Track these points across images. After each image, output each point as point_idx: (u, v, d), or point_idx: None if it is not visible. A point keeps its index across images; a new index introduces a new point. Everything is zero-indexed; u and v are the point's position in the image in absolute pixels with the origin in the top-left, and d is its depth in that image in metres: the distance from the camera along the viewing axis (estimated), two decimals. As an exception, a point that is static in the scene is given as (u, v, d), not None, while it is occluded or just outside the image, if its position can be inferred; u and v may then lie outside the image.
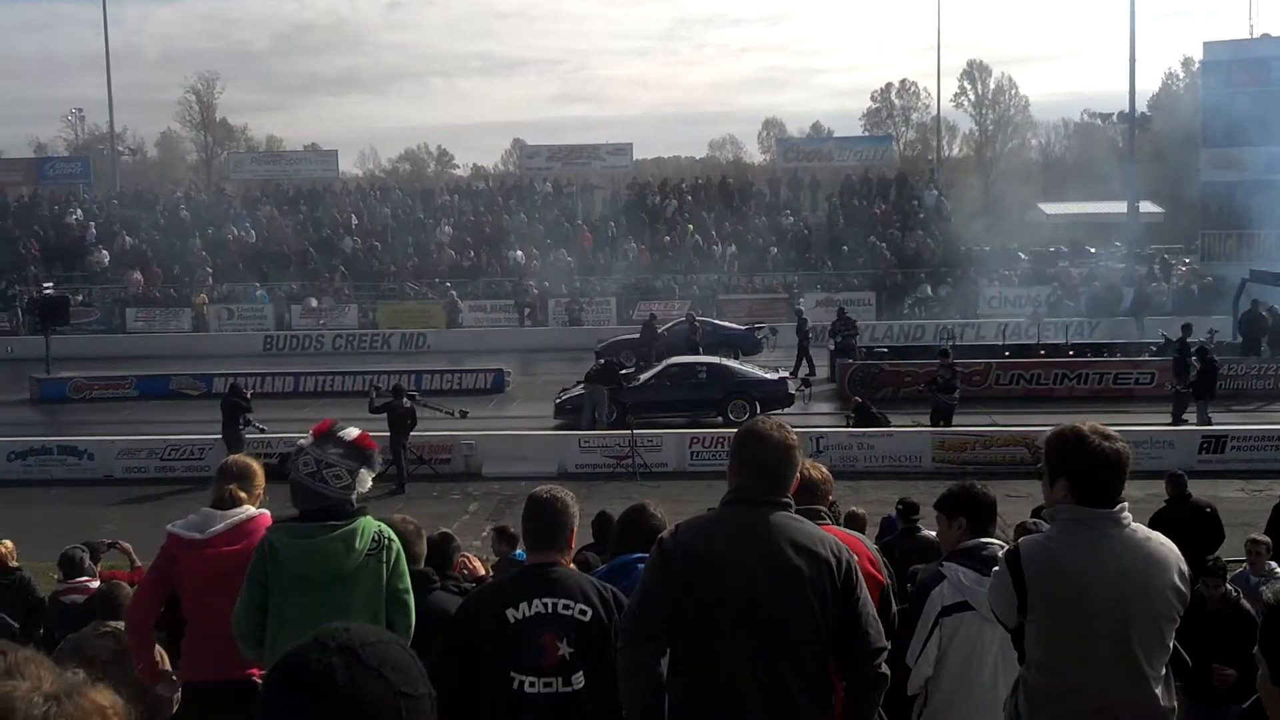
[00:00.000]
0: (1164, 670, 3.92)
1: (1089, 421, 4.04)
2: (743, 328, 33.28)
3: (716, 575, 3.86)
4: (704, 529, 4.05)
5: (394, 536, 5.06)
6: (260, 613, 4.87)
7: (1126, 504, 3.95)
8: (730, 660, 3.84)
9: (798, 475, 4.17)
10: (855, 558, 4.05)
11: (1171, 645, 3.94)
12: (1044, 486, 4.08)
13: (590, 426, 23.18)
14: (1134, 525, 3.94)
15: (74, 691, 1.80)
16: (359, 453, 5.06)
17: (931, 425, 22.70)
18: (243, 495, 5.54)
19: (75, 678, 1.85)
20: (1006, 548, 4.12)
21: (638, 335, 32.39)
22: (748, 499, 4.02)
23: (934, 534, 9.58)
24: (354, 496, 5.02)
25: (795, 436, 4.17)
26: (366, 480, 5.04)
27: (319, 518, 4.92)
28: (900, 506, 10.52)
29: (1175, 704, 4.00)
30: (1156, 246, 51.82)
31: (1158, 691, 3.89)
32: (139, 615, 5.67)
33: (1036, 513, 8.50)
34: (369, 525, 4.99)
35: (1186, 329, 25.55)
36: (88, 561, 9.70)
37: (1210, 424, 22.50)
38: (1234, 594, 8.29)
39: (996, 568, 4.06)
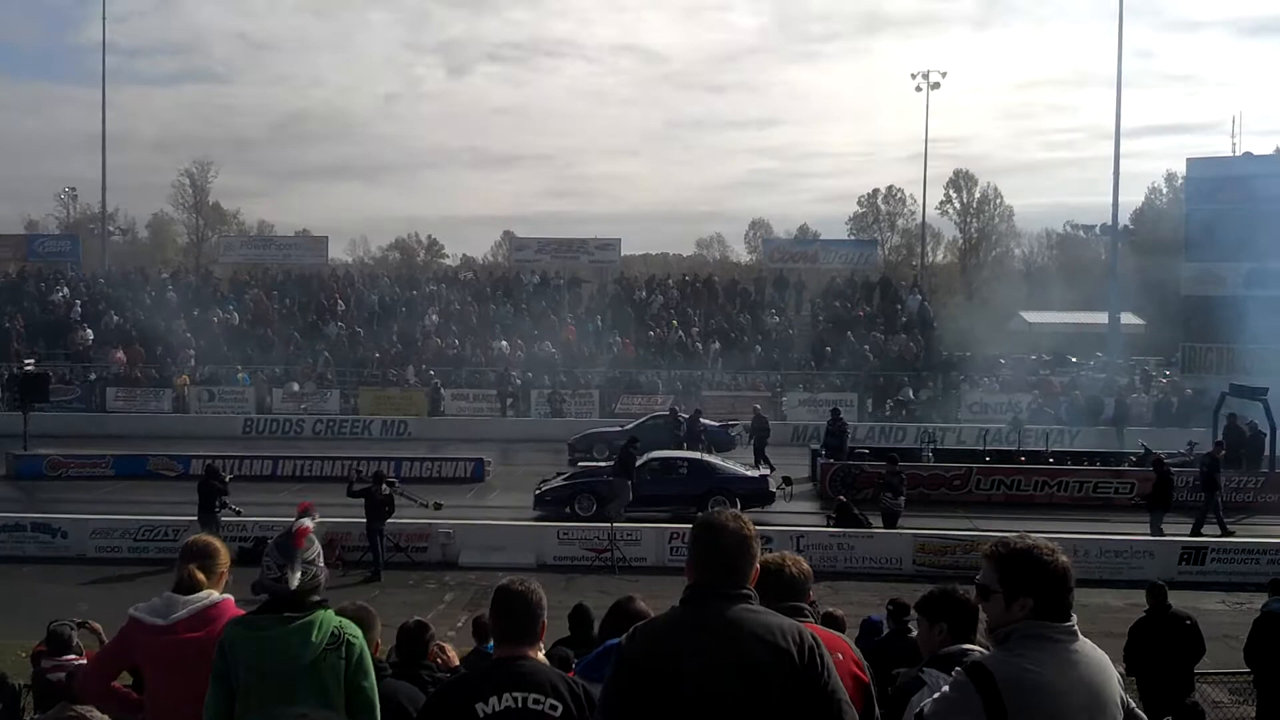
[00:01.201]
0: None
1: (1028, 536, 3.98)
2: (717, 424, 33.35)
3: (672, 679, 3.78)
4: (659, 631, 3.98)
5: (356, 635, 4.95)
6: (229, 708, 4.79)
7: (1074, 615, 3.90)
8: None
9: (756, 566, 4.09)
10: (819, 643, 3.93)
11: None
12: (994, 605, 3.93)
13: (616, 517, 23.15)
14: (1081, 636, 3.90)
15: None
16: (287, 550, 4.91)
17: (883, 527, 22.75)
18: (201, 578, 5.43)
19: None
20: (962, 669, 3.90)
21: (618, 430, 32.49)
22: (705, 594, 3.95)
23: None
24: (313, 590, 4.91)
25: (751, 527, 4.10)
26: (293, 580, 4.82)
27: (277, 609, 4.86)
28: (891, 607, 10.39)
29: None
30: (1138, 357, 52.30)
31: None
32: (87, 690, 5.61)
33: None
34: (328, 619, 4.90)
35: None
36: (75, 639, 9.61)
37: (1162, 535, 22.65)
38: None
39: (952, 690, 3.87)
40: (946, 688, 3.92)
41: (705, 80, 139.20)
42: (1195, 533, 23.57)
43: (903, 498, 23.52)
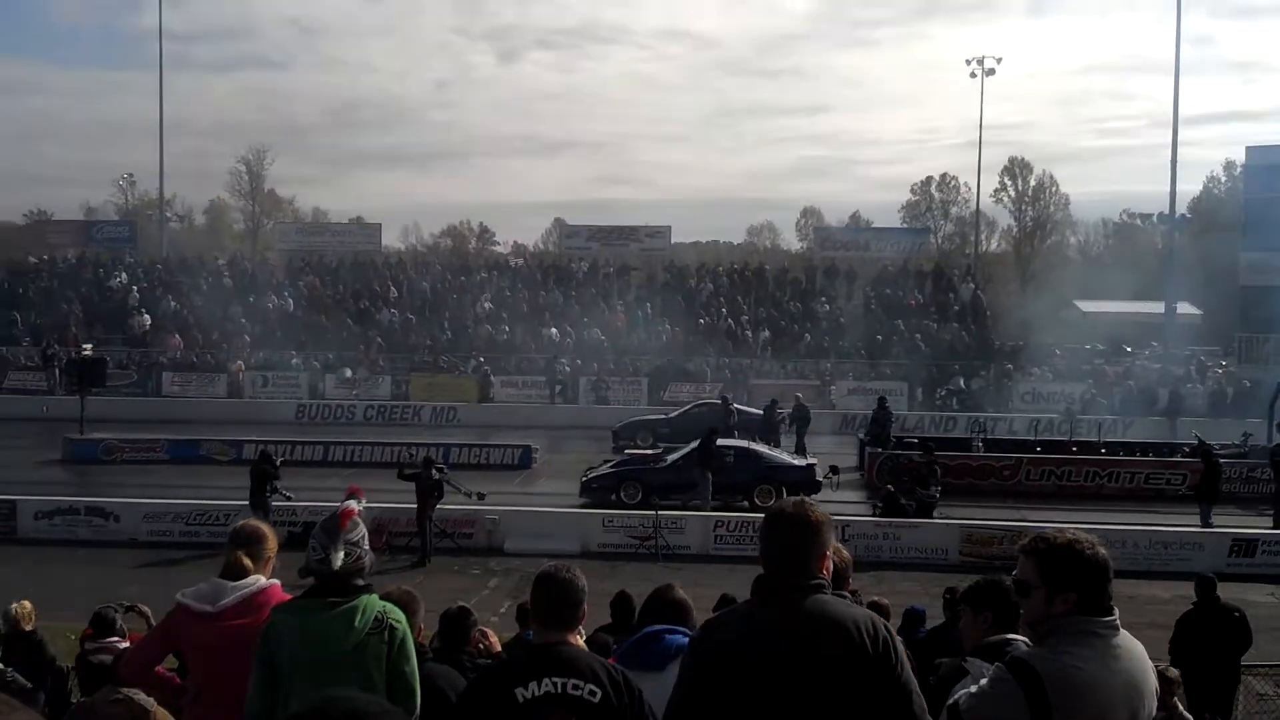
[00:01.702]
0: None
1: (1067, 530, 3.96)
2: (760, 412, 33.26)
3: (746, 672, 3.78)
4: (732, 625, 3.98)
5: (400, 620, 5.00)
6: (271, 694, 4.84)
7: (1116, 609, 3.89)
8: None
9: (828, 555, 4.05)
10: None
11: None
12: (1034, 600, 3.90)
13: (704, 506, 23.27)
14: (1121, 628, 3.89)
15: None
16: (331, 531, 4.98)
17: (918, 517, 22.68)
18: (248, 563, 5.48)
19: None
20: (1004, 664, 3.89)
21: (662, 418, 32.68)
22: (777, 586, 3.94)
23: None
24: (357, 573, 4.98)
25: (822, 514, 4.05)
26: (336, 560, 4.91)
27: (322, 594, 4.91)
28: (947, 595, 10.37)
29: None
30: (1194, 348, 51.58)
31: None
32: (130, 673, 5.68)
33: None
34: (372, 604, 4.95)
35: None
36: (119, 622, 9.73)
37: (1211, 526, 22.33)
38: None
39: (992, 685, 3.85)
40: (985, 682, 3.90)
41: (756, 66, 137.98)
42: (1277, 525, 23.28)
43: (938, 489, 23.41)
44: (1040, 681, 3.70)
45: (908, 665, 3.89)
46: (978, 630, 5.19)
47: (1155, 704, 3.87)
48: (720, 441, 26.72)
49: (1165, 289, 51.16)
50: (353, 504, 5.11)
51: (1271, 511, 24.05)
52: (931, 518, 22.78)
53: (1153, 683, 3.86)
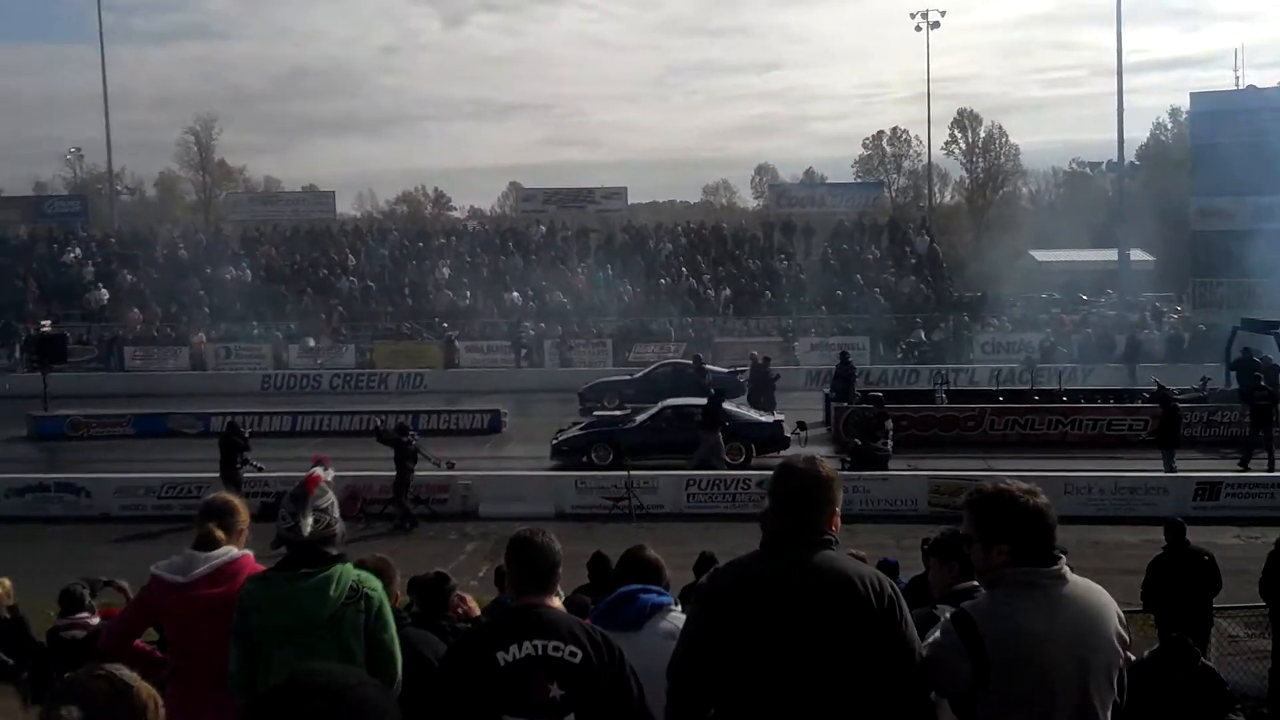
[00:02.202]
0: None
1: (1006, 479, 4.01)
2: (725, 370, 33.41)
3: (751, 625, 3.82)
4: (738, 576, 4.02)
5: (375, 588, 4.98)
6: (251, 665, 4.85)
7: (1064, 557, 3.93)
8: (776, 712, 3.83)
9: (838, 511, 4.06)
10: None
11: (1115, 689, 3.92)
12: (975, 552, 3.98)
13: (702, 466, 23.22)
14: (1073, 577, 3.92)
15: None
16: (299, 498, 4.98)
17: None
18: (221, 535, 5.49)
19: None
20: (949, 616, 3.97)
21: (627, 378, 32.78)
22: (784, 540, 3.95)
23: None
24: (328, 540, 4.98)
25: (831, 469, 4.08)
26: (305, 527, 4.90)
27: (295, 564, 4.91)
28: (925, 545, 10.50)
29: None
30: (1148, 294, 52.20)
31: None
32: (111, 646, 5.75)
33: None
34: (346, 573, 4.93)
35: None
36: (89, 598, 9.74)
37: (1175, 471, 22.68)
38: None
39: (941, 635, 3.92)
40: (935, 633, 3.98)
41: (701, 25, 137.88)
42: (1244, 465, 23.78)
43: (887, 442, 23.59)
44: (977, 632, 3.78)
45: (911, 623, 3.93)
46: (945, 579, 5.34)
47: (1119, 653, 3.88)
48: (686, 400, 26.81)
49: (1118, 236, 51.66)
50: (318, 470, 5.09)
51: (1240, 455, 24.45)
52: (885, 469, 22.92)
53: (1109, 630, 3.87)
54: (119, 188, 71.96)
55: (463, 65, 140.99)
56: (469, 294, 45.48)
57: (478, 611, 8.03)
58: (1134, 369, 35.59)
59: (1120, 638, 3.89)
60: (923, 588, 9.38)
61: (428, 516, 21.36)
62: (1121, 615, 3.96)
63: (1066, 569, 3.90)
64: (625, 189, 55.44)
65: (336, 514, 5.06)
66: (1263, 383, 25.52)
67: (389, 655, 4.92)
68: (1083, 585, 3.91)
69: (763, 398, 29.56)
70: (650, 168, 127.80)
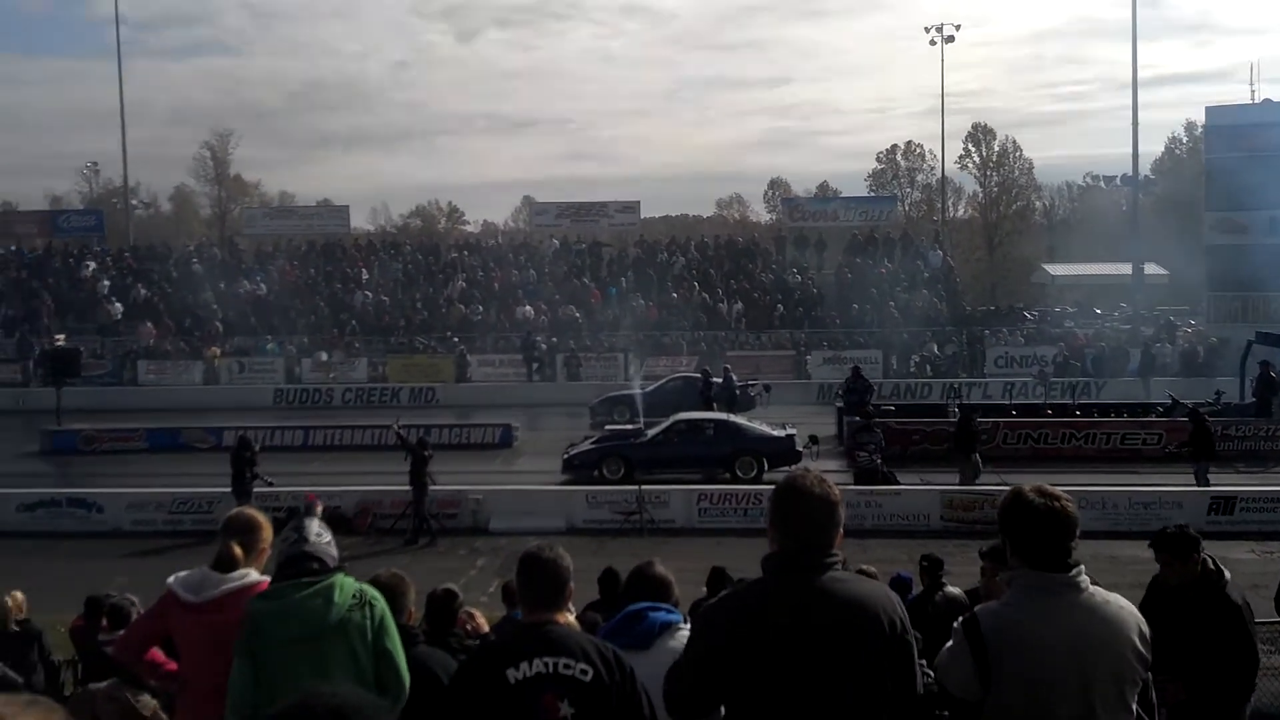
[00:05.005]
0: None
1: (1035, 483, 3.98)
2: (739, 384, 33.34)
3: (759, 648, 3.75)
4: (746, 600, 3.94)
5: (377, 596, 4.99)
6: (254, 686, 4.79)
7: (1082, 566, 3.88)
8: None
9: (841, 529, 3.97)
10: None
11: (1134, 708, 3.86)
12: (1008, 556, 4.00)
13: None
14: (1092, 588, 3.88)
15: None
16: (297, 514, 5.08)
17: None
18: (240, 554, 5.40)
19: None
20: (960, 620, 3.97)
21: (639, 393, 32.74)
22: (791, 562, 3.87)
23: (959, 590, 9.62)
24: (327, 556, 5.01)
25: (837, 491, 3.98)
26: (313, 527, 5.00)
27: (296, 574, 4.91)
28: (925, 563, 10.42)
29: None
30: (1162, 307, 52.03)
31: None
32: (126, 656, 5.75)
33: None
34: (349, 582, 4.95)
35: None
36: (135, 613, 9.75)
37: (1209, 486, 22.45)
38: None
39: (952, 638, 3.94)
40: (951, 638, 3.99)
41: (713, 40, 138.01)
42: None
43: (876, 455, 23.52)
44: (982, 635, 3.80)
45: (914, 644, 3.89)
46: (998, 587, 5.35)
47: (1136, 669, 3.83)
48: (699, 415, 26.87)
49: (1131, 250, 51.52)
50: (311, 491, 5.21)
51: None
52: (875, 483, 22.74)
53: (1122, 645, 3.82)
54: (134, 202, 72.14)
55: (476, 80, 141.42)
56: (481, 308, 45.51)
57: (486, 628, 8.01)
58: (1148, 383, 35.45)
59: (1139, 654, 3.83)
60: (922, 608, 9.36)
61: (438, 531, 21.33)
62: (1145, 632, 3.89)
63: (1085, 578, 3.86)
64: (638, 203, 55.43)
65: (329, 536, 5.09)
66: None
67: (394, 664, 4.92)
68: (1100, 596, 3.88)
69: (735, 408, 29.67)
70: (663, 182, 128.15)
